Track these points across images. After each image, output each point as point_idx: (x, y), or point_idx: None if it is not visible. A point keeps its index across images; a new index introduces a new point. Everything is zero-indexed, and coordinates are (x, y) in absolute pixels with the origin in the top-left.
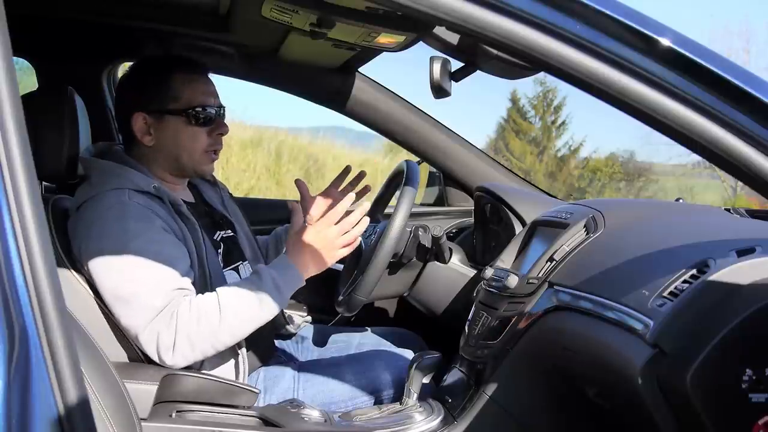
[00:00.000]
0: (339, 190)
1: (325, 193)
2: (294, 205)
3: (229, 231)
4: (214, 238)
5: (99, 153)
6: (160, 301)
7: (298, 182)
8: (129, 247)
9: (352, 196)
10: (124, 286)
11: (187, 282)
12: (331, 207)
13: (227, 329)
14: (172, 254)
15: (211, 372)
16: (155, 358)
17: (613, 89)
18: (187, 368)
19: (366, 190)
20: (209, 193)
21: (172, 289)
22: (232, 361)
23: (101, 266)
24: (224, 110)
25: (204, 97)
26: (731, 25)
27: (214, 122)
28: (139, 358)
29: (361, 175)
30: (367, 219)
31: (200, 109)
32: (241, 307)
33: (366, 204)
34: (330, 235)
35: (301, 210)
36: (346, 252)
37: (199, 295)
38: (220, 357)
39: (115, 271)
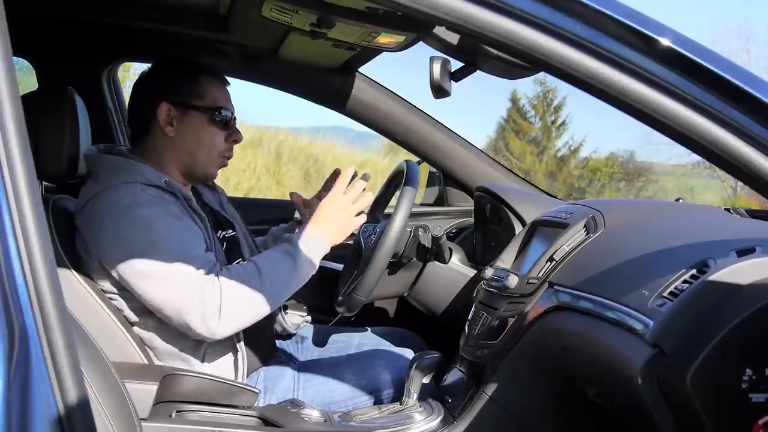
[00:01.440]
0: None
1: (320, 195)
2: (297, 198)
3: (231, 231)
4: (217, 236)
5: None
6: (196, 271)
7: (292, 195)
8: (153, 228)
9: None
10: (156, 262)
11: (212, 256)
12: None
13: (268, 294)
14: (194, 231)
15: (211, 372)
16: (199, 328)
17: (613, 89)
18: (187, 368)
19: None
20: (208, 196)
21: (205, 258)
22: (232, 360)
23: (125, 254)
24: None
25: (225, 101)
26: (731, 25)
27: (231, 127)
28: (139, 357)
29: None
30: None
31: (221, 111)
32: (280, 273)
33: (362, 182)
34: (343, 202)
35: (305, 204)
36: (361, 221)
37: (234, 264)
38: (220, 356)
39: (144, 253)
